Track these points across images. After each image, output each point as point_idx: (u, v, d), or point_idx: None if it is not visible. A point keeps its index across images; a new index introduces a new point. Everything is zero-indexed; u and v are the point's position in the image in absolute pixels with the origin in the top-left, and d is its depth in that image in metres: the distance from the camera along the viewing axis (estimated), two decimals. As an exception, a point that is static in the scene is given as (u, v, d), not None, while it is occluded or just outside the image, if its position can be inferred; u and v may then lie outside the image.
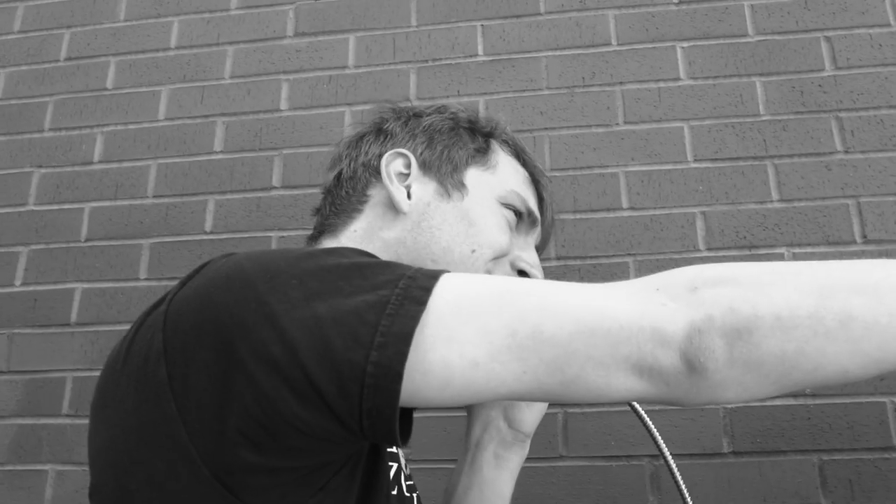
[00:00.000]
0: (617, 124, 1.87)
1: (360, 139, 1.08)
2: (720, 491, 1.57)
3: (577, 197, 1.81)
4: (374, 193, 1.01)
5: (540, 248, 1.12)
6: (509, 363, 0.64)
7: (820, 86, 1.82)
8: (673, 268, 1.65)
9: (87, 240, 2.00)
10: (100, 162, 2.06)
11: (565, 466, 1.63)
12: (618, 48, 1.93)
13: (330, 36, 2.08)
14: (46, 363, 1.89)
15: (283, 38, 2.10)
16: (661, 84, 1.88)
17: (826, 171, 1.75)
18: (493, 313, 0.65)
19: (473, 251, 0.97)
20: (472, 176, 1.02)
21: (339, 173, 1.06)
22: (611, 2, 1.97)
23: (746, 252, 1.72)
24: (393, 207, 0.99)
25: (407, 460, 1.12)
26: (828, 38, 1.85)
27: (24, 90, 2.18)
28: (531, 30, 1.99)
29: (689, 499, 1.00)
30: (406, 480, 0.97)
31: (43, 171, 2.08)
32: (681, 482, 0.99)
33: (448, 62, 1.99)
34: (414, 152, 1.02)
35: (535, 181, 1.11)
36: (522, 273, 1.04)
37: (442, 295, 0.66)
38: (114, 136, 2.08)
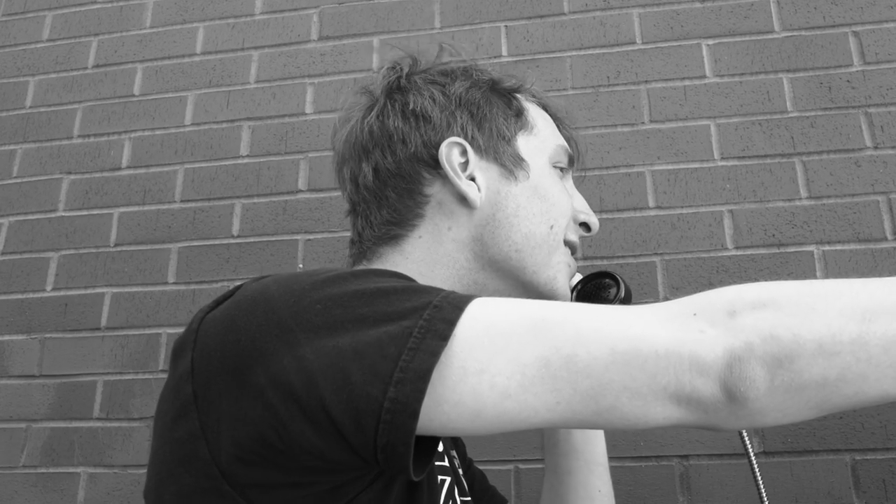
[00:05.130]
0: (643, 123, 1.86)
1: (381, 122, 0.97)
2: (751, 491, 1.56)
3: (603, 197, 1.80)
4: (434, 192, 0.94)
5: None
6: (542, 394, 0.63)
7: (848, 81, 1.80)
8: (701, 266, 1.64)
9: (116, 245, 2.02)
10: (128, 167, 2.09)
11: (594, 467, 1.62)
12: (643, 47, 1.92)
13: (354, 39, 2.08)
14: (77, 367, 1.92)
15: (307, 42, 2.11)
16: (687, 82, 1.87)
17: (855, 167, 1.73)
18: (526, 343, 0.64)
19: (551, 227, 0.95)
20: (523, 145, 0.97)
21: (376, 168, 0.96)
22: (635, 0, 1.96)
23: (775, 250, 1.70)
24: (459, 204, 0.93)
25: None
26: (856, 33, 1.83)
27: (52, 98, 2.21)
28: (555, 30, 1.98)
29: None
30: (462, 496, 0.95)
31: (72, 177, 2.11)
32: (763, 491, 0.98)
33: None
34: (465, 136, 0.95)
35: (560, 121, 1.06)
36: (584, 225, 1.01)
37: (471, 325, 0.65)
38: (141, 142, 2.10)
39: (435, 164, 0.94)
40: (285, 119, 2.05)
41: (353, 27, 2.10)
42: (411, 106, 0.96)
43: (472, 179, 0.94)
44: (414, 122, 0.95)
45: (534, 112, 1.02)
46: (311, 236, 1.92)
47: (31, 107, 2.21)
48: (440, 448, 0.92)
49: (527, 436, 1.66)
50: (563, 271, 0.97)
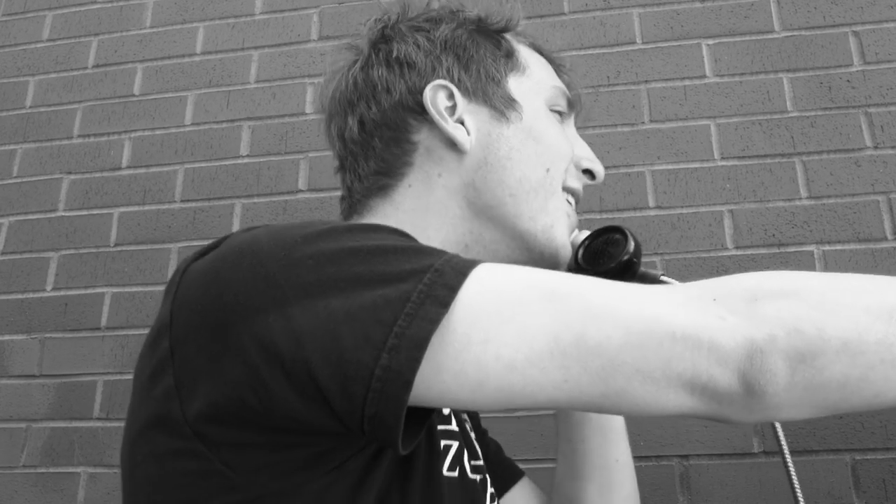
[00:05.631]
0: (643, 123, 1.86)
1: (366, 73, 0.94)
2: (751, 491, 1.56)
3: (603, 196, 1.80)
4: (422, 138, 0.90)
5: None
6: (550, 370, 0.59)
7: (848, 81, 1.80)
8: (701, 266, 1.63)
9: (116, 244, 2.01)
10: (128, 167, 2.08)
11: (594, 467, 1.62)
12: (643, 46, 1.92)
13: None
14: (77, 367, 1.91)
15: (307, 41, 2.11)
16: (687, 82, 1.87)
17: (855, 167, 1.73)
18: (535, 314, 0.60)
19: (548, 170, 0.90)
20: (515, 86, 0.93)
21: (361, 120, 0.93)
22: (635, 0, 1.96)
23: (776, 250, 1.70)
24: (449, 149, 0.89)
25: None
26: (856, 33, 1.83)
27: (52, 97, 2.21)
28: (555, 29, 1.98)
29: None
30: (472, 459, 0.89)
31: (72, 177, 2.11)
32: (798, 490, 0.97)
33: (472, 63, 1.99)
34: (451, 79, 0.91)
35: (557, 65, 1.02)
36: (588, 172, 0.98)
37: (477, 290, 0.61)
38: (141, 142, 2.10)
39: (421, 110, 0.90)
40: (285, 119, 2.04)
41: (352, 27, 2.09)
42: (395, 54, 0.92)
43: (462, 123, 0.90)
44: (398, 70, 0.92)
45: (525, 54, 0.97)
46: (311, 236, 1.91)
47: (31, 107, 2.21)
48: (446, 412, 0.88)
49: (527, 436, 1.66)
50: (561, 220, 0.92)
